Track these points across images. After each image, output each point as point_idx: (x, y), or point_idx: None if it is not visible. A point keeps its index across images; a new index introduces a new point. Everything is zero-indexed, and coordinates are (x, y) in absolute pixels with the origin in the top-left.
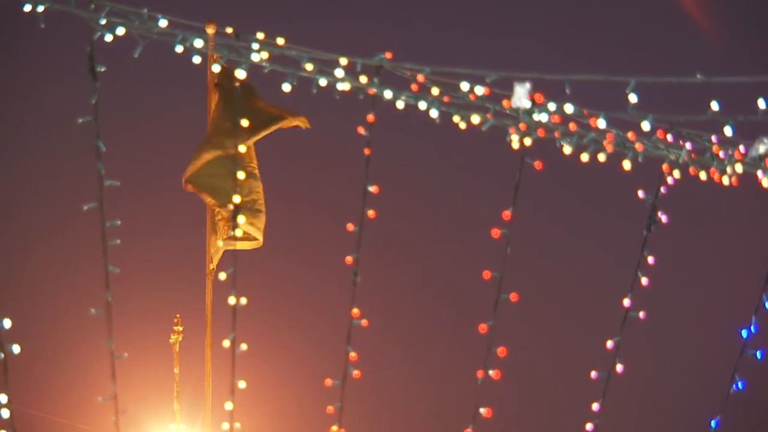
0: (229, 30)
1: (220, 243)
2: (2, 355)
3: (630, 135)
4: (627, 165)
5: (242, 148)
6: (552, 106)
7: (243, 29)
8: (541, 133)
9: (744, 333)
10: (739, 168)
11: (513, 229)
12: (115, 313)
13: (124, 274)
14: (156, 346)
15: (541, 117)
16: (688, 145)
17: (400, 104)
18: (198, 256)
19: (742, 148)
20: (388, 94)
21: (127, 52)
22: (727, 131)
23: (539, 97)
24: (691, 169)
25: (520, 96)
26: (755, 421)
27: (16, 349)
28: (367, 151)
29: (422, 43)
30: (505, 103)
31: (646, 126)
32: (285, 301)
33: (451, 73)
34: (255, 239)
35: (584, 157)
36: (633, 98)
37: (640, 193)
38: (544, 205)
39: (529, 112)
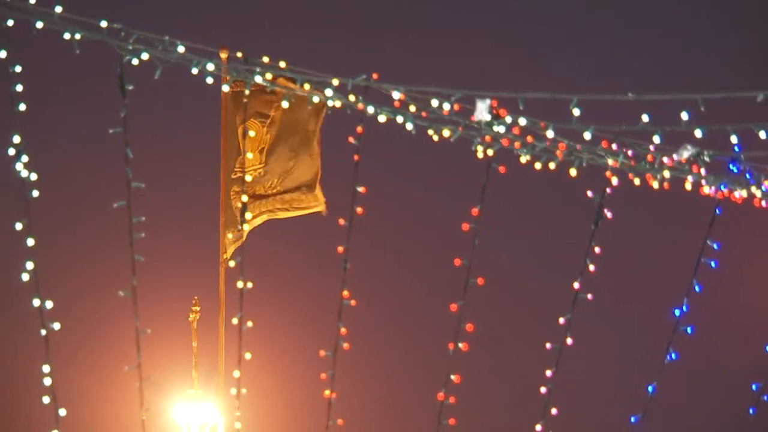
0: (239, 54)
1: (230, 236)
2: (45, 332)
3: (578, 146)
4: (573, 172)
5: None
6: (509, 119)
7: (251, 53)
8: (505, 142)
9: (677, 312)
10: (667, 174)
11: (480, 223)
12: (140, 295)
13: (148, 263)
14: (176, 324)
15: (500, 129)
16: (629, 152)
17: (381, 118)
18: (212, 248)
19: (674, 156)
20: (371, 110)
21: (149, 73)
22: (656, 139)
23: (503, 112)
24: (629, 175)
25: (482, 110)
26: (686, 386)
27: (56, 326)
28: (356, 157)
29: (403, 64)
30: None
31: (587, 135)
32: (285, 285)
33: (424, 91)
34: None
35: (537, 165)
36: (576, 112)
37: (589, 193)
38: (508, 204)
39: (489, 125)
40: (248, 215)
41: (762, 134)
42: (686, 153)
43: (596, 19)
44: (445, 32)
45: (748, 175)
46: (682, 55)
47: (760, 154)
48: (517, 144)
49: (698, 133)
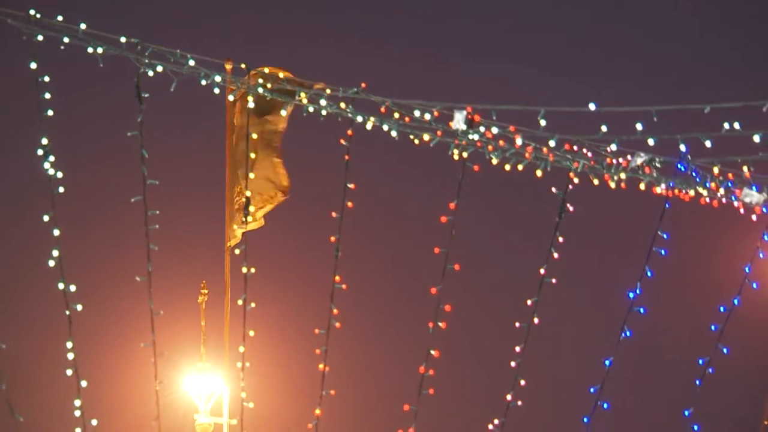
0: (242, 65)
1: (236, 227)
2: (68, 312)
3: (544, 150)
4: (539, 173)
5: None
6: (482, 128)
7: (253, 64)
8: (479, 144)
9: (631, 294)
10: (623, 175)
11: (457, 216)
12: (154, 280)
13: (161, 251)
14: (187, 305)
15: (474, 136)
16: (589, 154)
17: (368, 125)
18: (219, 238)
19: (630, 164)
20: (359, 118)
21: (163, 82)
22: (613, 147)
23: (477, 118)
24: (590, 176)
25: (459, 120)
26: (639, 360)
27: (79, 307)
28: (346, 157)
29: (389, 77)
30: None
31: (552, 143)
32: (284, 271)
33: (407, 102)
34: (260, 222)
35: (507, 167)
36: (543, 122)
37: (554, 189)
38: (482, 199)
39: (465, 133)
40: (251, 208)
41: (708, 143)
42: (640, 159)
43: (563, 39)
44: (427, 49)
45: (694, 174)
46: (639, 69)
47: (706, 160)
48: (490, 147)
49: (651, 141)
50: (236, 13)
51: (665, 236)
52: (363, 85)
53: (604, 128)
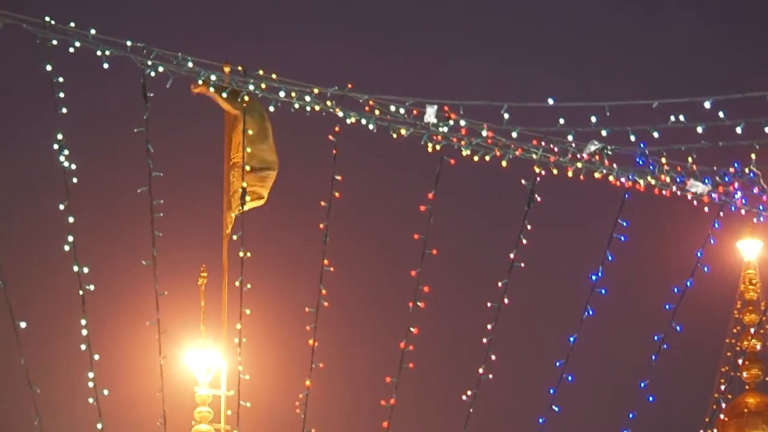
0: (239, 68)
1: (233, 215)
2: (82, 292)
3: (510, 144)
4: (504, 164)
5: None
6: (451, 123)
7: (249, 66)
8: (453, 140)
9: (593, 277)
10: (579, 165)
11: (434, 204)
12: (159, 264)
13: (165, 237)
14: (188, 287)
15: (445, 129)
16: (554, 147)
17: (350, 120)
18: (217, 225)
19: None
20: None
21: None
22: (569, 138)
23: (453, 115)
24: (551, 168)
25: (430, 114)
26: (600, 337)
27: (91, 287)
28: (334, 151)
29: (370, 77)
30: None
31: (514, 134)
32: (277, 255)
33: (385, 99)
34: (261, 197)
35: (476, 158)
36: (506, 116)
37: (523, 181)
38: (458, 190)
39: (436, 126)
40: (247, 198)
41: (655, 134)
42: (593, 147)
43: (526, 41)
44: (404, 52)
45: (651, 167)
46: (595, 69)
47: (654, 148)
48: (453, 139)
49: (604, 132)
50: (234, 18)
51: (624, 224)
52: (349, 85)
53: (561, 121)
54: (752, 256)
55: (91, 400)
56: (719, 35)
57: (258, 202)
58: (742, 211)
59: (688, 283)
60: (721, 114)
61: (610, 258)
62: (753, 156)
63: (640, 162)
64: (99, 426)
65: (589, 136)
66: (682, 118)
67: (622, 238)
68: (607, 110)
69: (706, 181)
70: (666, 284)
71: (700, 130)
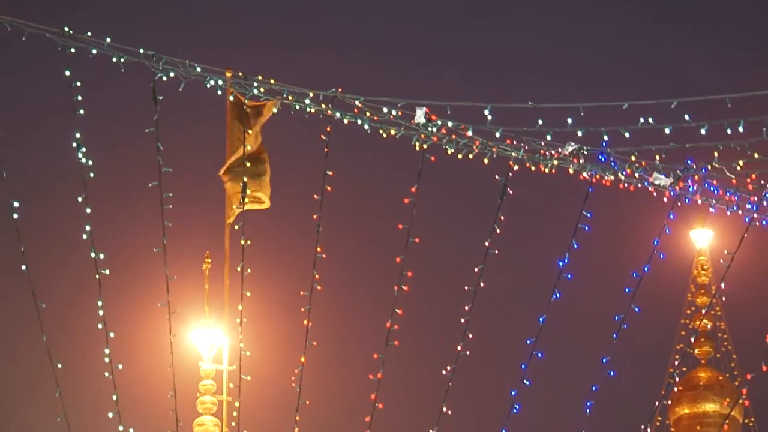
0: (240, 73)
1: (236, 207)
2: (98, 276)
3: (489, 143)
4: (485, 161)
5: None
6: (439, 123)
7: (249, 71)
8: (434, 139)
9: (560, 263)
10: (555, 162)
11: (417, 198)
12: (168, 251)
13: (174, 226)
14: (194, 272)
15: (433, 129)
16: (526, 147)
17: (345, 121)
18: (220, 216)
19: (561, 151)
20: (337, 115)
21: (175, 86)
22: (548, 137)
23: (434, 117)
24: (527, 164)
25: (419, 116)
26: (567, 318)
27: (107, 272)
28: (326, 149)
29: (362, 80)
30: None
31: (497, 133)
32: (275, 243)
33: (376, 100)
34: (263, 202)
35: (459, 156)
36: (489, 117)
37: (497, 176)
38: (438, 183)
39: (425, 126)
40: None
41: (626, 134)
42: (570, 148)
43: (505, 47)
44: (393, 57)
45: (613, 164)
46: (572, 73)
47: (625, 148)
48: (434, 138)
49: (579, 133)
50: (236, 28)
51: (588, 215)
52: (339, 89)
53: (540, 122)
54: (704, 245)
55: (106, 374)
56: (689, 44)
57: (261, 206)
58: (699, 202)
59: (646, 269)
60: (686, 116)
61: (575, 246)
62: (715, 154)
63: (602, 159)
64: (114, 397)
65: (566, 136)
66: (651, 120)
67: (587, 228)
68: (581, 111)
69: (668, 175)
70: (626, 270)
71: (667, 131)
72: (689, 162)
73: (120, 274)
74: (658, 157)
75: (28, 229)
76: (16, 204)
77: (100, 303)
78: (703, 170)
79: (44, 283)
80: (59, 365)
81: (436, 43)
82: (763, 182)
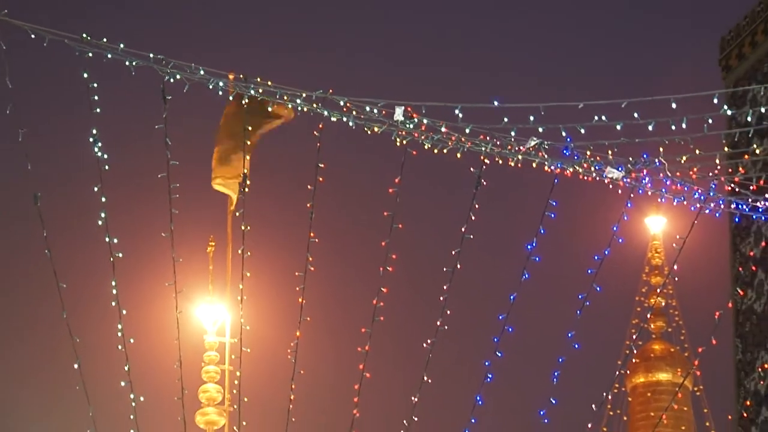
0: (241, 76)
1: (234, 195)
2: (112, 259)
3: (462, 138)
4: (458, 155)
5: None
6: (416, 120)
7: (249, 73)
8: (415, 135)
9: (529, 246)
10: (520, 156)
11: (401, 188)
12: (175, 235)
13: (181, 213)
14: (199, 254)
15: (411, 126)
16: (498, 143)
17: (333, 119)
18: (223, 203)
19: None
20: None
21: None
22: (512, 133)
23: (415, 114)
24: (496, 158)
25: (398, 114)
26: (535, 298)
27: (120, 255)
28: (318, 144)
29: (348, 81)
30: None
31: (467, 130)
32: (273, 228)
33: (360, 100)
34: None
35: (435, 150)
36: (459, 115)
37: (471, 169)
38: (419, 175)
39: (403, 124)
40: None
41: (582, 131)
42: (532, 142)
43: (480, 51)
44: (375, 62)
45: (576, 157)
46: (537, 74)
47: (582, 143)
48: (415, 134)
49: (540, 129)
50: (237, 34)
51: (554, 203)
52: (330, 90)
53: (506, 119)
54: (657, 230)
55: (120, 347)
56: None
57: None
58: (649, 193)
59: (606, 252)
60: (635, 114)
61: (542, 231)
62: (661, 149)
63: (566, 153)
64: (126, 368)
65: (529, 132)
66: (604, 117)
67: (552, 216)
68: (542, 110)
69: (620, 168)
70: (588, 253)
71: (619, 127)
72: (645, 156)
73: (132, 256)
74: (610, 152)
75: (50, 217)
76: (39, 194)
77: (113, 283)
78: (657, 164)
79: (64, 265)
80: (77, 339)
81: (415, 47)
82: (710, 174)
